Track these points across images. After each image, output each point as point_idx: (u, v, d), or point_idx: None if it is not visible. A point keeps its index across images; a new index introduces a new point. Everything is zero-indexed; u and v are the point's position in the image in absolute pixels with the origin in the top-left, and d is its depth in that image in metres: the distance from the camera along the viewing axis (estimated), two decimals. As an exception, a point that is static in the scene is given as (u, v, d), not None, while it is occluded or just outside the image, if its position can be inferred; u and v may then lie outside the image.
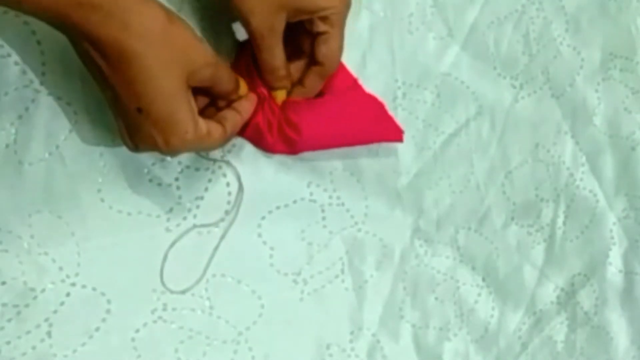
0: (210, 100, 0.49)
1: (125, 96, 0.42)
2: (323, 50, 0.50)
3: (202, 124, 0.45)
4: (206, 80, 0.45)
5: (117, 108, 0.43)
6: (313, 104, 0.53)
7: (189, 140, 0.44)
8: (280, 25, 0.48)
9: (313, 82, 0.52)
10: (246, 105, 0.50)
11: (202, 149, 0.47)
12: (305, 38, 0.51)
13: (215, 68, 0.45)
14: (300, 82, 0.52)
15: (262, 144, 0.53)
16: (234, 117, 0.49)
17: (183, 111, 0.43)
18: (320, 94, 0.54)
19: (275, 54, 0.49)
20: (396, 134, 0.56)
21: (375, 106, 0.56)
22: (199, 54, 0.44)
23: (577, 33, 0.66)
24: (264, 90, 0.51)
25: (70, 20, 0.39)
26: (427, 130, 0.61)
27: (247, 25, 0.48)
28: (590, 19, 0.66)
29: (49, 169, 0.48)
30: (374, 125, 0.55)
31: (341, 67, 0.54)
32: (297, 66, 0.52)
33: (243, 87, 0.50)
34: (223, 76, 0.47)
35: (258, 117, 0.51)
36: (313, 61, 0.51)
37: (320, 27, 0.49)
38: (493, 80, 0.63)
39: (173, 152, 0.44)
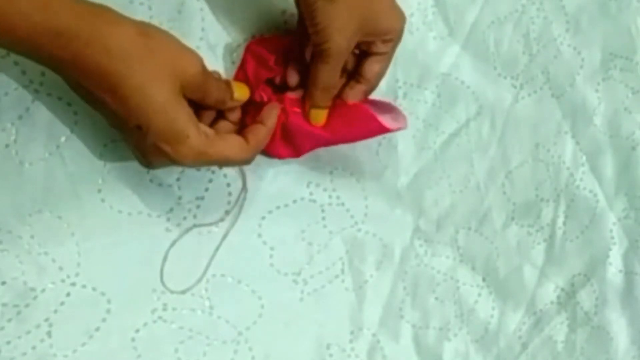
0: (217, 113, 0.49)
1: (123, 116, 0.42)
2: (376, 69, 0.51)
3: (209, 131, 0.45)
4: (197, 90, 0.44)
5: (120, 129, 0.43)
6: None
7: (194, 145, 0.43)
8: (353, 46, 0.48)
9: (356, 99, 0.52)
10: (269, 115, 0.49)
11: (220, 159, 0.45)
12: (350, 56, 0.51)
13: (204, 76, 0.44)
14: (341, 97, 0.52)
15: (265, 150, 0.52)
16: (256, 128, 0.48)
17: (182, 119, 0.43)
18: None
19: (337, 74, 0.49)
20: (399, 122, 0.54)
21: (371, 105, 0.54)
22: (186, 64, 0.43)
23: (578, 33, 0.66)
24: (263, 95, 0.50)
25: (50, 52, 0.39)
26: (427, 130, 0.61)
27: (325, 42, 0.47)
28: (591, 19, 0.66)
29: (49, 169, 0.48)
30: (374, 119, 0.53)
31: None
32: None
33: (242, 91, 0.49)
34: (211, 85, 0.46)
35: None
36: (358, 79, 0.51)
37: (381, 48, 0.50)
38: (493, 80, 0.63)
39: (185, 160, 0.43)
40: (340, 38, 0.47)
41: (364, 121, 0.52)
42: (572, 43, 0.66)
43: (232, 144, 0.46)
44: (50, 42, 0.38)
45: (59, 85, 0.47)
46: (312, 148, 0.53)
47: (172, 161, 0.43)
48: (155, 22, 0.49)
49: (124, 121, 0.42)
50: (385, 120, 0.52)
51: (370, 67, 0.51)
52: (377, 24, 0.49)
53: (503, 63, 0.63)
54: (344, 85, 0.52)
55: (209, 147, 0.44)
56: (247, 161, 0.48)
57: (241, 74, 0.52)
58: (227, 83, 0.48)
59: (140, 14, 0.49)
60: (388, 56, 0.51)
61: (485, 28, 0.62)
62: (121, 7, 0.41)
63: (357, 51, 0.51)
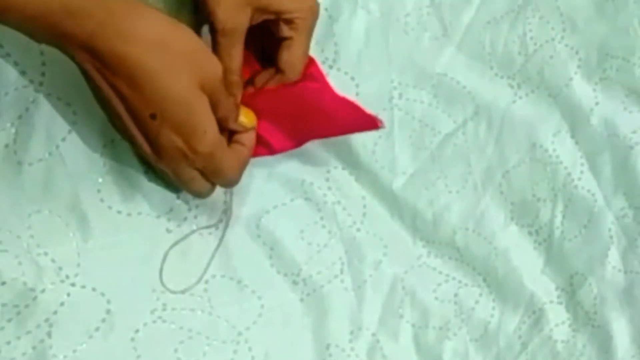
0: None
1: (136, 103, 0.40)
2: (285, 57, 0.48)
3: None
4: (213, 94, 0.42)
5: (132, 119, 0.41)
6: (279, 103, 0.50)
7: (210, 143, 0.42)
8: (244, 23, 0.45)
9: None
10: (247, 137, 0.48)
11: (216, 168, 0.44)
12: (274, 46, 0.49)
13: (221, 82, 0.43)
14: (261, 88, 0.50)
15: None
16: (239, 150, 0.47)
17: (201, 112, 0.41)
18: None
19: (232, 54, 0.46)
20: (372, 123, 0.52)
21: (344, 102, 0.51)
22: (207, 61, 0.42)
23: (574, 33, 0.66)
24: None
25: (61, 31, 0.38)
26: (423, 131, 0.61)
27: (211, 15, 0.44)
28: (587, 19, 0.67)
29: (48, 169, 0.48)
30: (346, 118, 0.52)
31: (312, 62, 0.51)
32: (268, 75, 0.50)
33: (249, 118, 0.48)
34: (224, 95, 0.44)
35: None
36: (277, 68, 0.49)
37: (285, 31, 0.47)
38: (490, 80, 0.63)
39: (197, 157, 0.42)
40: (223, 10, 0.44)
41: (342, 112, 0.50)
42: (569, 43, 0.66)
43: (231, 158, 0.45)
44: (62, 22, 0.37)
45: (59, 85, 0.48)
46: (285, 145, 0.52)
47: (184, 156, 0.42)
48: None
49: (137, 110, 0.40)
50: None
51: (280, 54, 0.48)
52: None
53: (499, 63, 0.63)
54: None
55: (219, 150, 0.43)
56: (234, 182, 0.47)
57: None
58: (237, 104, 0.47)
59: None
60: (297, 42, 0.48)
61: (481, 28, 0.62)
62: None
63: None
